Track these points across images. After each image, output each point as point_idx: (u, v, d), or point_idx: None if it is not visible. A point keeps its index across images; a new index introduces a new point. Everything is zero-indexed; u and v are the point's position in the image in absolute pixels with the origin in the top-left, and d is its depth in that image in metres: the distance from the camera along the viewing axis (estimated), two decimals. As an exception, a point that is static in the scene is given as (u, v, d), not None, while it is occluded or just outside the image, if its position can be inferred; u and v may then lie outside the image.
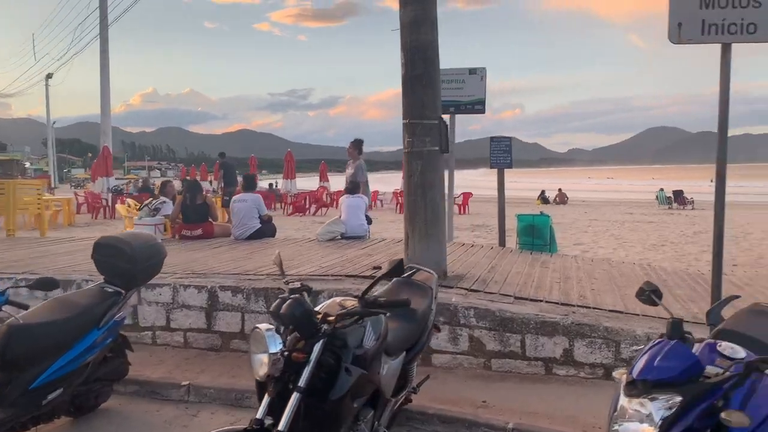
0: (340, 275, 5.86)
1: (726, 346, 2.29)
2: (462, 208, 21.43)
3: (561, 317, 4.89)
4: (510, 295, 5.42)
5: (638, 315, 5.10)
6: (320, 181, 29.49)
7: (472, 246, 8.61)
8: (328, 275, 5.89)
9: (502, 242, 9.18)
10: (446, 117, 9.32)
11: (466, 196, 22.05)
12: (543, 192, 31.42)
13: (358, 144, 9.74)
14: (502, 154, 9.31)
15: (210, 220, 9.69)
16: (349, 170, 9.62)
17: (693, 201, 26.85)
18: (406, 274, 4.04)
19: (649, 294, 2.62)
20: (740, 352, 2.25)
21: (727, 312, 3.05)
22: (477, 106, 9.15)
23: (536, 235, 8.69)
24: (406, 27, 5.83)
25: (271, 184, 28.63)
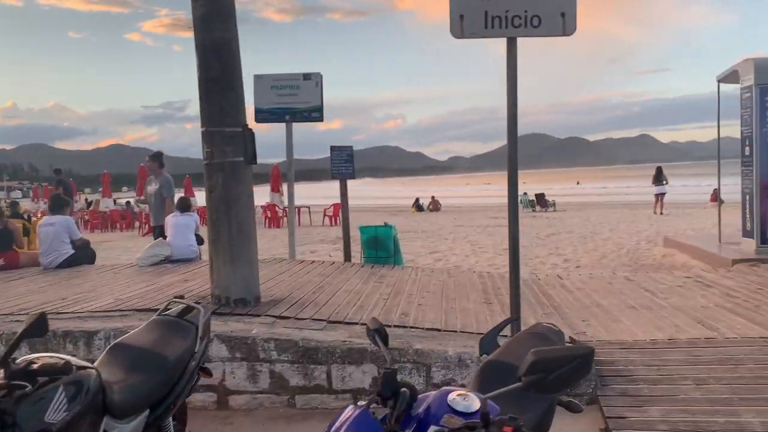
0: (130, 310, 5.04)
1: (458, 398, 1.79)
2: (333, 219, 20.97)
3: (369, 342, 4.37)
4: (323, 320, 4.87)
5: (456, 332, 4.71)
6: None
7: (312, 263, 8.04)
8: (114, 310, 5.05)
9: (347, 256, 8.69)
10: (281, 125, 8.75)
11: (336, 207, 21.64)
12: (417, 200, 31.51)
13: (157, 157, 8.91)
14: (343, 163, 8.85)
15: (14, 247, 8.43)
16: (153, 186, 8.74)
17: (555, 203, 27.41)
18: (170, 311, 3.33)
19: (373, 334, 2.10)
20: (473, 405, 1.75)
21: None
22: (314, 114, 8.61)
23: (380, 248, 8.27)
24: (198, 23, 5.15)
25: (128, 202, 26.62)
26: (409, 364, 4.32)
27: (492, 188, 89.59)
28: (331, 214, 21.44)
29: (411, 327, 4.86)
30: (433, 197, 31.47)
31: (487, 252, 12.01)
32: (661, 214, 21.43)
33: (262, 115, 8.48)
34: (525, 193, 27.82)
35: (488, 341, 2.65)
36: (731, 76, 8.72)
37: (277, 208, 22.82)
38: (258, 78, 8.40)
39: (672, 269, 8.66)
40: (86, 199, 25.12)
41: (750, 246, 8.22)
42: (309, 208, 22.77)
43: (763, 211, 8.02)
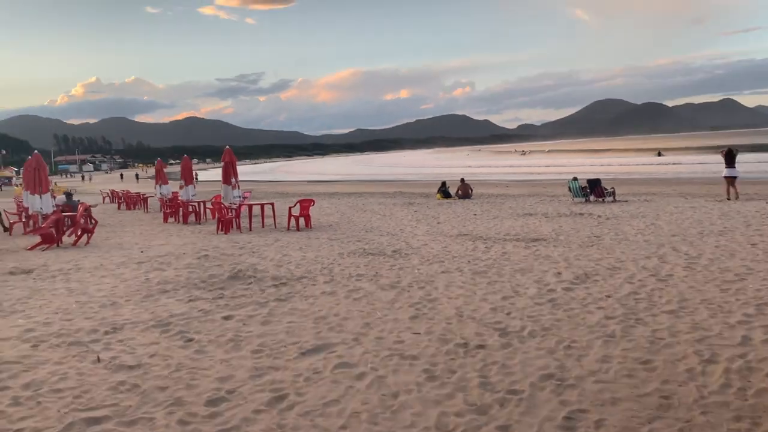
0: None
1: None
2: (299, 220, 16.40)
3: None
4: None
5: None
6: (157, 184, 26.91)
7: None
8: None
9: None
10: None
11: (305, 204, 17.04)
12: (444, 184, 26.63)
13: None
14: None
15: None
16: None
17: (613, 192, 21.54)
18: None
19: None
20: None
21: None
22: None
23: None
24: None
25: (69, 194, 23.61)
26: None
27: (548, 159, 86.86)
28: (296, 214, 16.67)
29: None
30: (462, 180, 26.24)
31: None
32: (737, 199, 19.36)
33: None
34: (575, 179, 22.72)
35: None
36: None
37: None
38: None
39: None
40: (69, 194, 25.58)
41: None
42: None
43: None
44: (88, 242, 14.61)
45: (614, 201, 20.93)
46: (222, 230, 16.19)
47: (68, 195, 21.93)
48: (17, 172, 73.22)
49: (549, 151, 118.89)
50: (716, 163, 29.99)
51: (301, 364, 5.41)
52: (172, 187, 26.15)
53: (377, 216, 19.41)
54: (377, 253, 11.66)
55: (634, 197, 22.63)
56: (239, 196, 17.27)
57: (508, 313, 6.90)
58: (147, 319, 7.07)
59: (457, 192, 25.45)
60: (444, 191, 25.93)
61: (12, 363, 5.59)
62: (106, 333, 6.53)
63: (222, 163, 17.34)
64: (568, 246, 11.79)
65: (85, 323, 6.95)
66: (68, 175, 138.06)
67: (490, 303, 7.41)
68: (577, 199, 21.88)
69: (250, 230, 16.45)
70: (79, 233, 14.75)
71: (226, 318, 7.06)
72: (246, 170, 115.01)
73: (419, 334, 6.21)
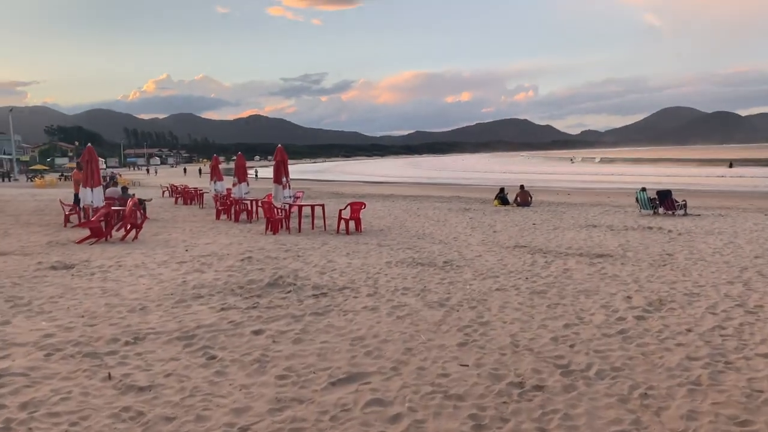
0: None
1: None
2: (349, 223, 15.80)
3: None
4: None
5: None
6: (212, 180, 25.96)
7: None
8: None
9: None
10: None
11: (355, 207, 16.33)
12: (502, 190, 25.70)
13: None
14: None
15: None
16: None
17: (685, 205, 20.10)
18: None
19: None
20: None
21: None
22: None
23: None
24: None
25: (125, 188, 23.63)
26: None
27: (615, 168, 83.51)
28: (348, 216, 16.06)
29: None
30: (522, 187, 25.11)
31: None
32: None
33: None
34: (643, 189, 21.15)
35: None
36: None
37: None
38: None
39: None
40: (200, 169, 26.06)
41: None
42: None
43: None
44: (136, 238, 14.40)
45: (686, 215, 19.67)
46: (271, 230, 15.81)
47: (124, 189, 22.09)
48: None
49: (601, 161, 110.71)
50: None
51: (329, 398, 4.71)
52: (228, 183, 26.15)
53: (431, 222, 18.60)
54: (427, 263, 10.87)
55: (707, 211, 21.24)
56: (290, 196, 16.84)
57: (572, 346, 5.97)
58: (172, 329, 6.51)
59: (516, 199, 24.32)
60: (502, 198, 24.90)
61: (18, 375, 5.11)
62: (126, 343, 6.01)
63: (273, 162, 16.97)
64: (638, 264, 10.73)
65: (108, 330, 6.46)
66: (136, 168, 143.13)
67: (550, 331, 6.50)
68: (644, 211, 20.43)
69: (299, 232, 15.94)
70: (128, 228, 14.62)
71: (257, 333, 6.43)
72: (303, 169, 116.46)
73: (467, 366, 5.39)
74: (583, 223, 17.85)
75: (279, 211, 16.48)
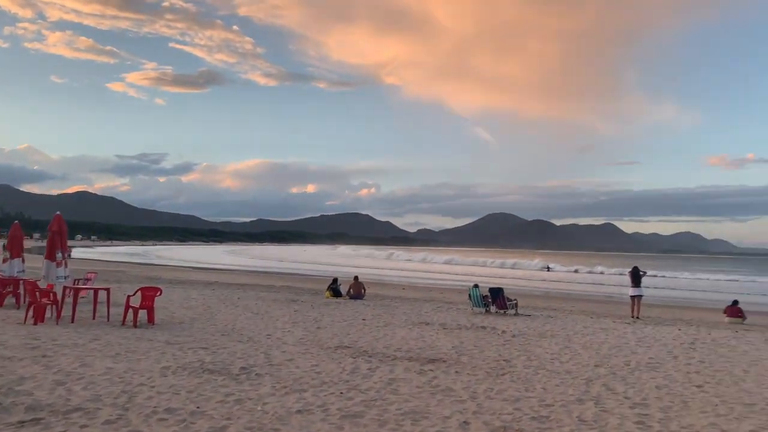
0: None
1: None
2: (138, 313, 12.74)
3: None
4: None
5: None
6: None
7: None
8: None
9: None
10: None
11: (148, 294, 13.31)
12: (335, 281, 23.93)
13: None
14: None
15: None
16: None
17: (516, 304, 19.55)
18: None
19: None
20: None
21: None
22: None
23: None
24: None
25: None
26: None
27: (445, 267, 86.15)
28: (136, 305, 12.88)
29: None
30: (356, 278, 24.06)
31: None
32: (638, 318, 19.68)
33: None
34: (476, 286, 20.29)
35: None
36: None
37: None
38: None
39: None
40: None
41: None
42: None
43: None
44: None
45: (517, 314, 19.06)
46: (33, 319, 12.32)
47: None
48: None
49: (423, 260, 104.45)
50: (619, 284, 29.63)
51: None
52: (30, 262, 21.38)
53: (248, 314, 15.96)
54: (218, 369, 8.35)
55: (536, 311, 20.85)
56: (65, 276, 13.50)
57: None
58: None
59: (349, 291, 22.83)
60: (334, 289, 23.07)
61: None
62: None
63: (48, 233, 13.53)
64: (474, 373, 9.12)
65: None
66: None
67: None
68: (476, 309, 19.58)
69: (72, 321, 12.56)
70: None
71: None
72: (127, 251, 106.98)
73: None
74: (416, 319, 16.42)
75: (49, 294, 13.07)
